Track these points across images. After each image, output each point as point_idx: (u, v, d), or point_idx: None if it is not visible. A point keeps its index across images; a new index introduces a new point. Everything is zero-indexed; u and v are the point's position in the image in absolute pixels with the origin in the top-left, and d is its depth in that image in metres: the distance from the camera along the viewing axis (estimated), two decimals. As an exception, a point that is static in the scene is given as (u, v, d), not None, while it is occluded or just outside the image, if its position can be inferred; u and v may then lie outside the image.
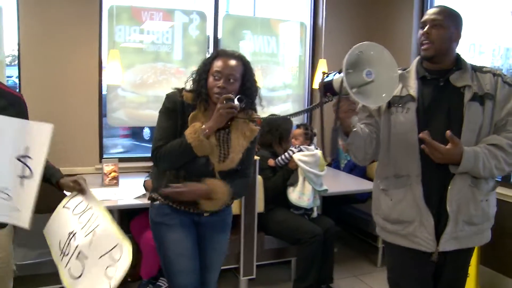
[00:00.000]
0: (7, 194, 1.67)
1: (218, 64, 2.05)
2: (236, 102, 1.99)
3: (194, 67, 4.45)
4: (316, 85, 4.43)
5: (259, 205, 3.33)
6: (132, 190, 3.33)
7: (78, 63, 3.88)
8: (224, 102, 1.97)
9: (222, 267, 3.27)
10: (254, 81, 2.13)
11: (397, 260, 2.04)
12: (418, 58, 1.99)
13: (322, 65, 4.24)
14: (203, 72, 2.09)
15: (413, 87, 1.91)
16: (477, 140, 1.84)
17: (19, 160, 1.68)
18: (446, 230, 1.85)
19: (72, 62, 3.86)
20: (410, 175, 1.89)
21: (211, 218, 2.20)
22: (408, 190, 1.90)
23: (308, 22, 4.86)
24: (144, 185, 3.35)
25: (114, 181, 3.54)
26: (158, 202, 2.17)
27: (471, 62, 1.95)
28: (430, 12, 1.89)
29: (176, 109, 2.06)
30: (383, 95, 1.73)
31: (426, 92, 1.91)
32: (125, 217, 3.60)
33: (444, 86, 1.89)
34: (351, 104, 1.78)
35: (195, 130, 1.99)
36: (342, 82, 1.65)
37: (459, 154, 1.77)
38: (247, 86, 2.09)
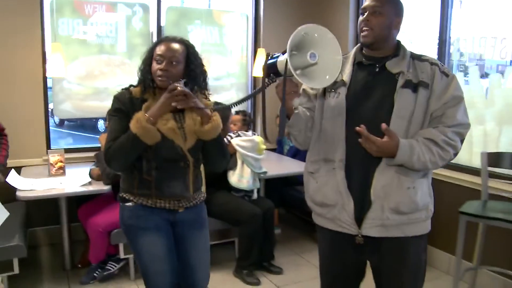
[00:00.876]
0: None
1: (160, 48, 2.05)
2: (182, 87, 1.99)
3: (138, 59, 4.58)
4: (255, 73, 4.62)
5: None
6: (78, 179, 3.45)
7: (20, 56, 3.93)
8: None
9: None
10: (199, 64, 2.13)
11: (326, 243, 2.05)
12: (358, 45, 1.99)
13: (261, 54, 4.44)
14: (147, 59, 2.10)
15: (346, 72, 1.91)
16: (408, 128, 1.83)
17: None
18: (369, 215, 1.84)
19: (14, 54, 3.90)
20: (335, 159, 1.89)
21: (186, 214, 2.18)
22: (332, 175, 1.90)
23: (250, 13, 5.03)
24: (90, 174, 3.47)
25: (61, 171, 3.63)
26: (131, 203, 2.13)
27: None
28: None
29: (125, 109, 2.05)
30: (327, 77, 1.75)
31: (360, 77, 1.91)
32: (74, 205, 3.72)
33: (380, 72, 1.89)
34: (294, 85, 1.81)
35: (137, 119, 1.98)
36: (286, 63, 1.65)
37: (395, 146, 1.77)
38: (191, 68, 2.08)
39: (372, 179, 1.83)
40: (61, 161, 3.64)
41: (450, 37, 3.93)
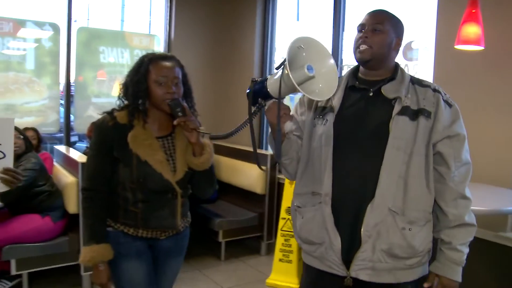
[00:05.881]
0: None
1: (160, 69, 1.87)
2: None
3: (47, 77, 4.60)
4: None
5: (98, 205, 3.56)
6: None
7: None
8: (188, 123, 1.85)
9: (61, 265, 3.51)
10: (190, 80, 2.00)
11: (313, 283, 1.85)
12: (352, 67, 1.85)
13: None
14: (141, 82, 1.88)
15: (336, 97, 1.74)
16: (408, 161, 1.63)
17: None
18: (359, 256, 1.64)
19: None
20: (321, 193, 1.70)
21: (167, 241, 2.05)
22: (318, 209, 1.72)
23: (161, 35, 5.21)
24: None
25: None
26: (111, 229, 1.97)
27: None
28: (369, 15, 1.72)
29: (106, 140, 1.90)
30: (328, 88, 1.63)
31: (351, 103, 1.74)
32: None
33: (374, 97, 1.71)
34: (286, 108, 1.65)
35: (92, 257, 1.87)
36: (281, 82, 1.54)
37: (449, 280, 1.67)
38: (187, 87, 1.97)
39: (363, 216, 1.63)
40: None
41: (342, 61, 4.22)
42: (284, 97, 1.62)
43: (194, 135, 1.88)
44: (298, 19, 5.42)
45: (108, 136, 1.90)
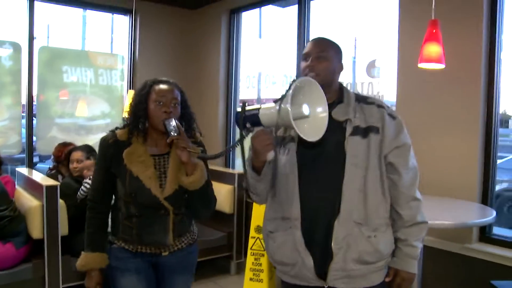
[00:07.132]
0: None
1: (160, 90, 2.00)
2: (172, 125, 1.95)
3: (7, 97, 4.48)
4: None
5: (63, 228, 3.47)
6: None
7: None
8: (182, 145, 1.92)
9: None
10: (190, 107, 2.14)
11: None
12: None
13: (131, 96, 4.55)
14: (141, 102, 2.01)
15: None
16: (365, 175, 1.78)
17: None
18: (333, 267, 1.78)
19: None
20: (291, 218, 1.82)
21: (169, 258, 2.10)
22: (289, 234, 1.83)
23: (126, 54, 5.17)
24: None
25: None
26: (114, 245, 2.08)
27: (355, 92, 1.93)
28: (312, 44, 1.86)
29: (106, 156, 2.03)
30: (315, 132, 1.66)
31: None
32: None
33: (328, 121, 1.77)
34: (270, 138, 1.69)
35: (87, 263, 2.03)
36: (278, 112, 1.57)
37: (407, 273, 1.84)
38: (186, 111, 2.09)
39: (332, 231, 1.77)
40: None
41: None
42: (271, 127, 1.69)
43: (185, 154, 1.94)
44: (260, 36, 5.49)
45: (108, 152, 2.03)
